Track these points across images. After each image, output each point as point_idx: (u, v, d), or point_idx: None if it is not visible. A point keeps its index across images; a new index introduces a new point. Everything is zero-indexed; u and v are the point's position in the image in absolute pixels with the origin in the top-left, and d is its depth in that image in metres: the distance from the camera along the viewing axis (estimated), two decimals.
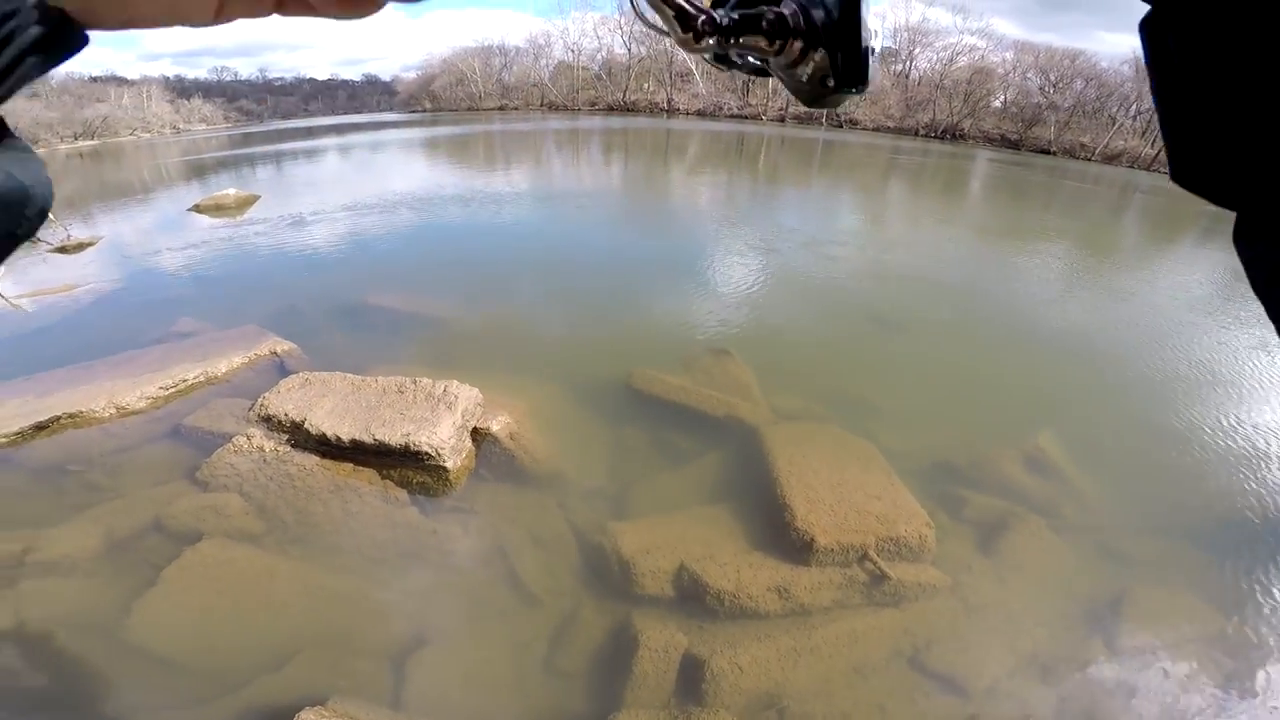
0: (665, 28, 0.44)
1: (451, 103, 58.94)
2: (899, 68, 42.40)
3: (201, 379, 4.49)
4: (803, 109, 41.88)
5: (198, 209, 11.52)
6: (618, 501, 3.57)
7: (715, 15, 0.43)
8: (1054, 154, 33.27)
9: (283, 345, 4.95)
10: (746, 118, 44.42)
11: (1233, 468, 4.49)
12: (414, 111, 60.29)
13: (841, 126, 40.50)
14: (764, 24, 0.45)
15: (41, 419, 3.85)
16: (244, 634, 2.70)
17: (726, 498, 3.52)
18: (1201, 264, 11.36)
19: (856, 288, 7.88)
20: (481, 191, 13.31)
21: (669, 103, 47.99)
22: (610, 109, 50.38)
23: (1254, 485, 4.28)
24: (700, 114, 45.95)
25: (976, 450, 4.25)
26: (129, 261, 8.28)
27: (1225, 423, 5.16)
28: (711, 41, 0.44)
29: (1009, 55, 39.78)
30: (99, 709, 2.46)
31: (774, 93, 44.27)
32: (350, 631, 2.77)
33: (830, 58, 0.45)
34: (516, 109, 54.51)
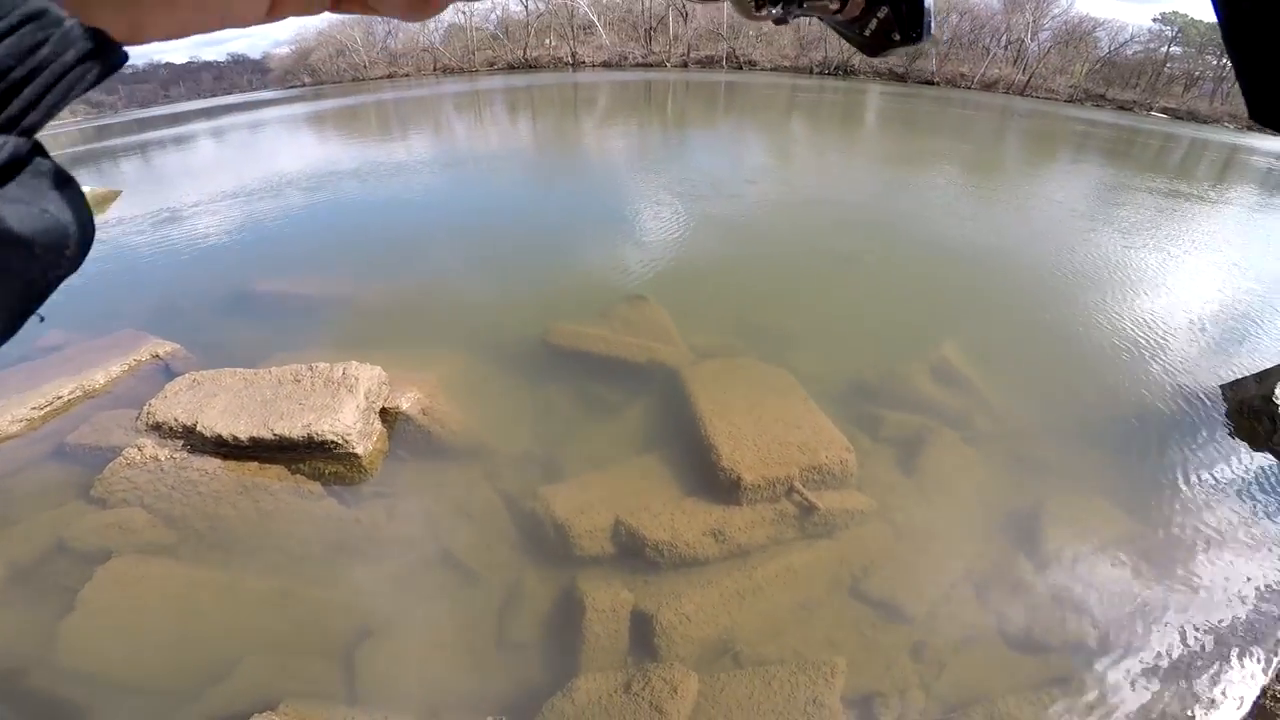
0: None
1: (333, 75, 54.92)
2: None
3: (79, 393, 4.11)
4: (705, 52, 41.69)
5: None
6: (546, 464, 3.49)
7: None
8: (938, 84, 35.07)
9: (165, 347, 4.56)
10: (651, 65, 43.84)
11: (1125, 361, 4.82)
12: (291, 88, 55.96)
13: (741, 68, 40.84)
14: None
15: None
16: (179, 648, 2.57)
17: (655, 445, 3.50)
18: (1078, 178, 12.20)
19: (765, 222, 7.97)
20: (376, 163, 12.54)
21: (573, 56, 46.57)
22: (511, 67, 48.36)
23: (1146, 377, 4.60)
24: (606, 65, 44.94)
25: (887, 367, 4.38)
26: None
27: (1113, 319, 5.55)
28: (777, 10, 0.48)
29: None
30: None
31: (675, 39, 43.77)
32: (290, 632, 2.65)
33: (895, 12, 0.48)
34: (407, 75, 51.46)
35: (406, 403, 3.61)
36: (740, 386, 3.67)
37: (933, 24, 0.49)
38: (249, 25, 0.33)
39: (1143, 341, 5.14)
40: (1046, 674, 2.55)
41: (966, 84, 34.66)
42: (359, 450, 3.31)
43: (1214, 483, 3.58)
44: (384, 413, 3.59)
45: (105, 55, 0.26)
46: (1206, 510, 3.38)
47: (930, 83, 35.24)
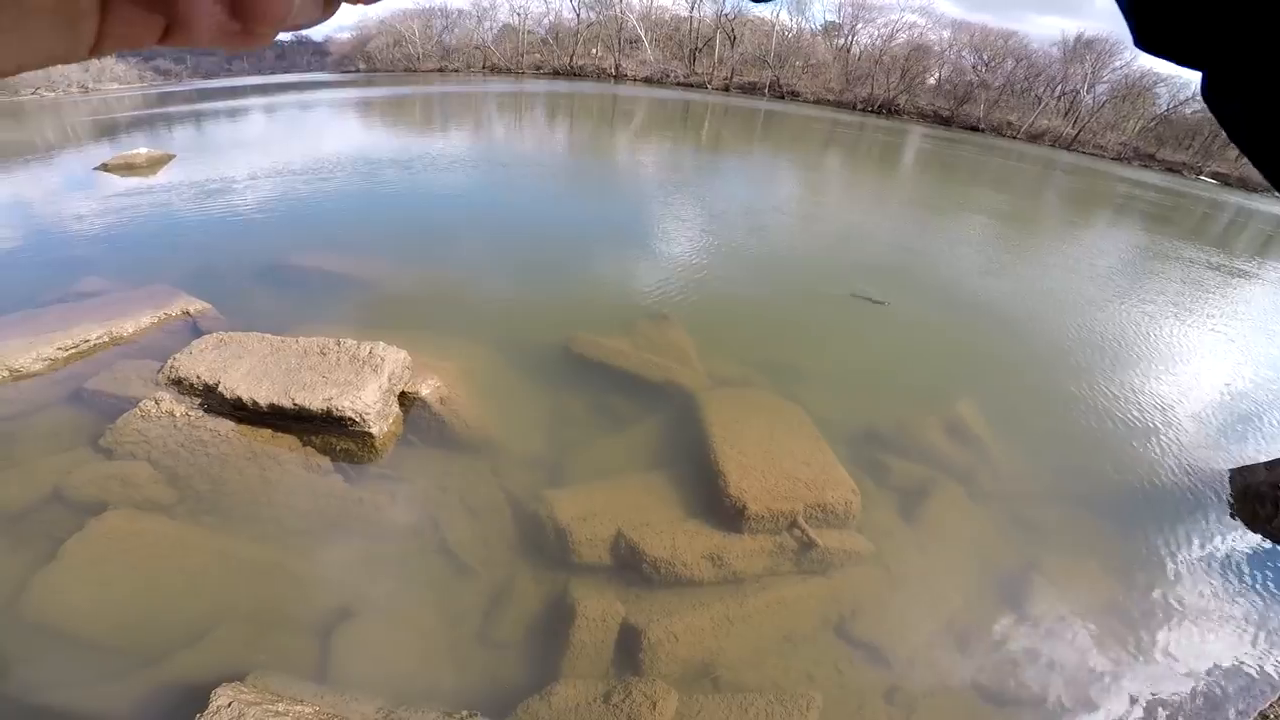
0: None
1: (387, 64, 56.01)
2: (841, 42, 42.92)
3: (105, 340, 4.15)
4: (748, 78, 41.87)
5: (105, 168, 10.60)
6: (554, 468, 3.52)
7: None
8: (982, 131, 34.67)
9: (196, 305, 4.63)
10: (692, 86, 44.16)
11: (1136, 437, 4.80)
12: (347, 72, 57.13)
13: (783, 98, 40.91)
14: None
15: None
16: (156, 608, 2.54)
17: (664, 464, 3.52)
18: (1114, 241, 12.14)
19: (793, 255, 8.03)
20: (418, 153, 12.76)
21: (616, 69, 47.12)
22: (556, 73, 49.02)
23: (1154, 454, 4.59)
24: (648, 81, 45.38)
25: (901, 416, 4.40)
26: (28, 221, 7.53)
27: (1130, 392, 5.53)
28: None
29: (946, 33, 40.84)
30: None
31: (720, 62, 44.08)
32: (271, 604, 2.64)
33: None
34: (457, 71, 52.31)
35: (426, 389, 3.64)
36: (754, 418, 3.71)
37: None
38: (72, 62, 0.31)
39: (1157, 418, 5.13)
40: None
41: (1012, 133, 34.30)
42: (374, 430, 3.34)
43: (1205, 558, 3.62)
44: (403, 396, 3.62)
45: None
46: (1193, 585, 3.43)
47: (975, 128, 34.91)
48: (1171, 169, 28.15)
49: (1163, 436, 4.84)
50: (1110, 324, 7.15)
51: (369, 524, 3.11)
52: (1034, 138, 33.72)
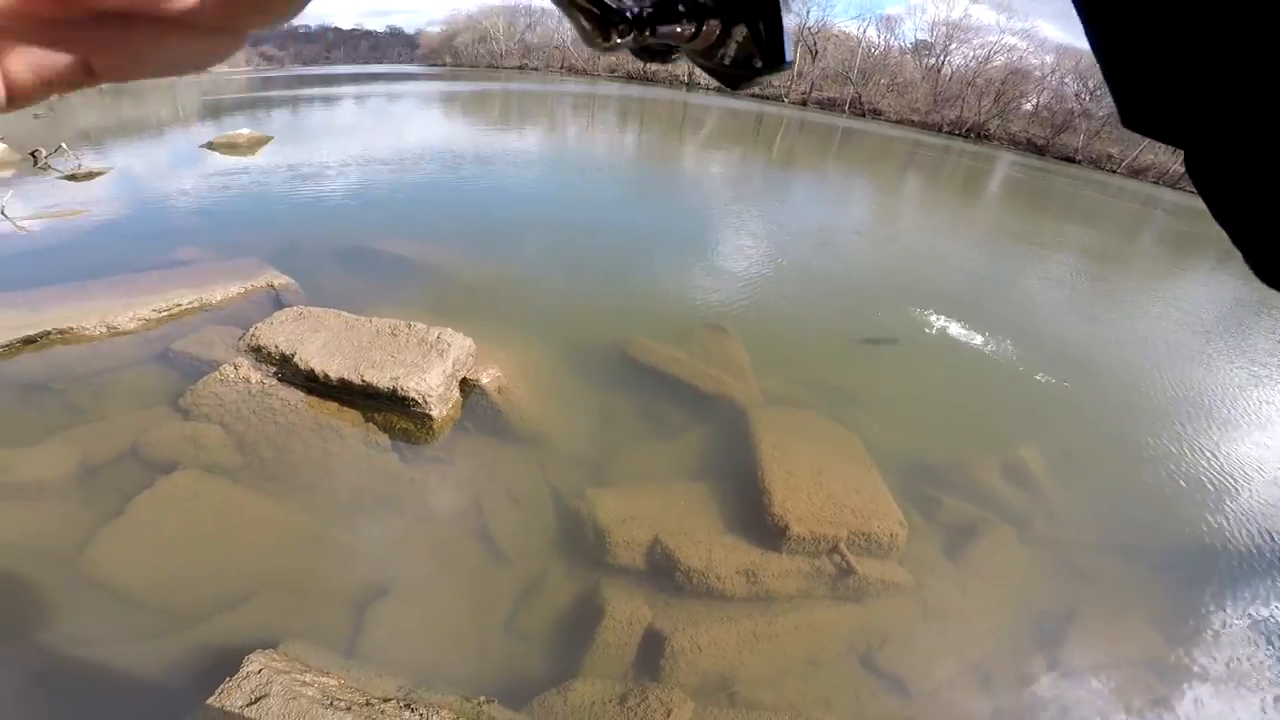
0: (575, 25, 0.39)
1: (472, 59, 57.99)
2: (931, 62, 41.60)
3: (195, 304, 4.45)
4: (828, 94, 41.10)
5: (210, 146, 11.44)
6: (599, 467, 3.57)
7: (629, 8, 0.39)
8: (1079, 163, 32.67)
9: (280, 279, 4.91)
10: (768, 98, 43.63)
11: (1200, 497, 4.52)
12: (434, 65, 59.33)
13: (864, 115, 39.76)
14: (680, 7, 0.41)
15: (31, 333, 3.79)
16: (205, 570, 2.65)
17: (708, 475, 3.52)
18: (1211, 290, 11.30)
19: (859, 279, 7.86)
20: (494, 149, 13.16)
21: (689, 76, 47.17)
22: (630, 77, 49.54)
23: (1217, 518, 4.32)
24: (720, 90, 45.30)
25: (958, 454, 4.26)
26: (137, 192, 8.18)
27: (1202, 453, 5.19)
28: (625, 39, 0.39)
29: (1049, 58, 38.89)
30: (42, 639, 2.41)
31: (799, 75, 43.35)
32: (313, 575, 2.74)
33: (753, 33, 0.42)
34: (536, 70, 53.64)
35: (487, 378, 3.76)
36: (805, 439, 3.67)
37: (791, 48, 0.43)
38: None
39: (1227, 481, 4.80)
40: None
41: (1112, 166, 32.14)
42: (434, 413, 3.47)
43: (1256, 626, 3.41)
44: (463, 383, 3.74)
45: None
46: (1237, 651, 3.23)
47: (1071, 160, 32.90)
48: None
49: (1234, 501, 4.55)
50: (1200, 380, 6.70)
51: (417, 504, 3.22)
52: (1136, 173, 31.59)
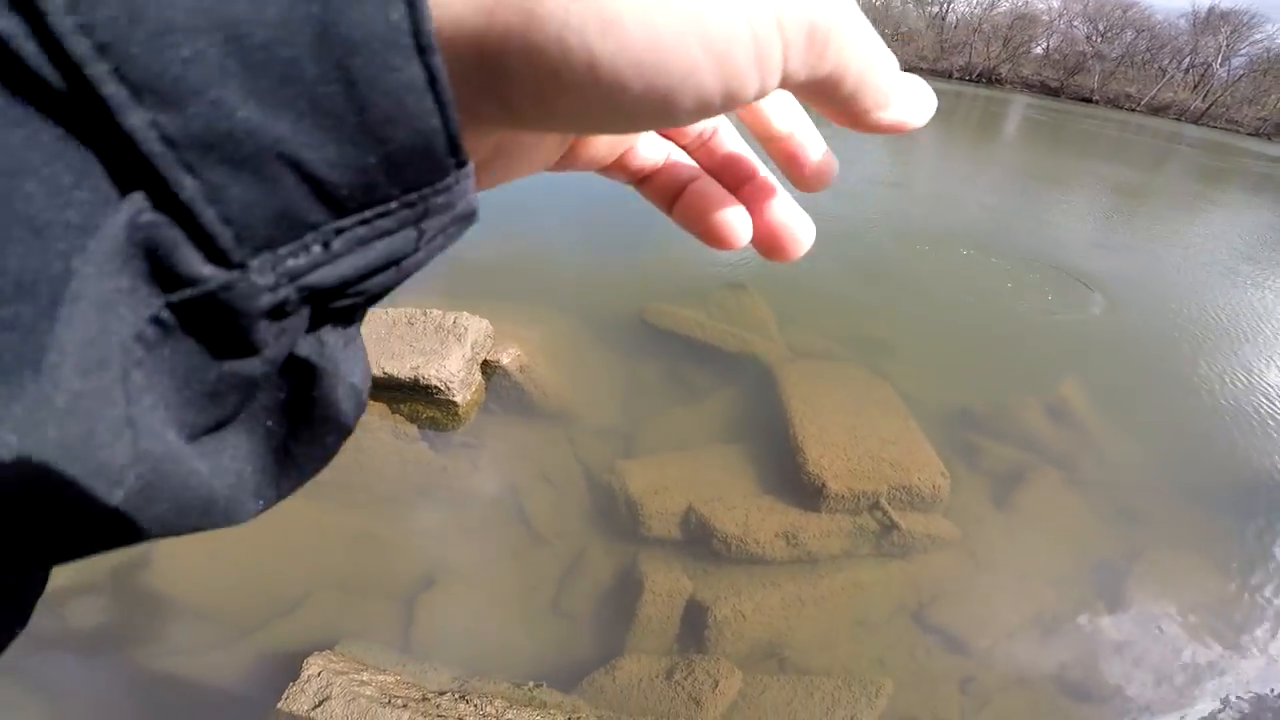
0: None
1: None
2: (935, 9, 40.02)
3: None
4: None
5: None
6: (628, 438, 3.53)
7: None
8: (1096, 103, 31.70)
9: None
10: None
11: (1260, 430, 4.36)
12: None
13: None
14: None
15: None
16: (258, 576, 2.70)
17: (739, 437, 3.46)
18: (1247, 219, 10.82)
19: (881, 226, 7.59)
20: None
21: None
22: None
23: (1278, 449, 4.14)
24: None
25: (997, 397, 4.13)
26: None
27: (1257, 383, 4.97)
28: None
29: (1055, 3, 37.33)
30: (130, 654, 2.49)
31: None
32: (361, 572, 2.78)
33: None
34: None
35: (507, 358, 3.71)
36: (837, 392, 3.57)
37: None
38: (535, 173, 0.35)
39: None
40: None
41: (1131, 105, 31.13)
42: (458, 399, 3.44)
43: None
44: (485, 365, 3.71)
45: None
46: None
47: (1088, 100, 31.91)
48: None
49: None
50: (1245, 307, 6.42)
51: (452, 491, 3.23)
52: (1156, 110, 30.46)
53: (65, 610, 2.60)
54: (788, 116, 0.35)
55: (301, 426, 0.22)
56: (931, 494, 2.99)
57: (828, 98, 0.25)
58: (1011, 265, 6.84)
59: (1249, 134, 26.68)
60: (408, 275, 0.21)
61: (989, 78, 35.52)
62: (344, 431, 0.24)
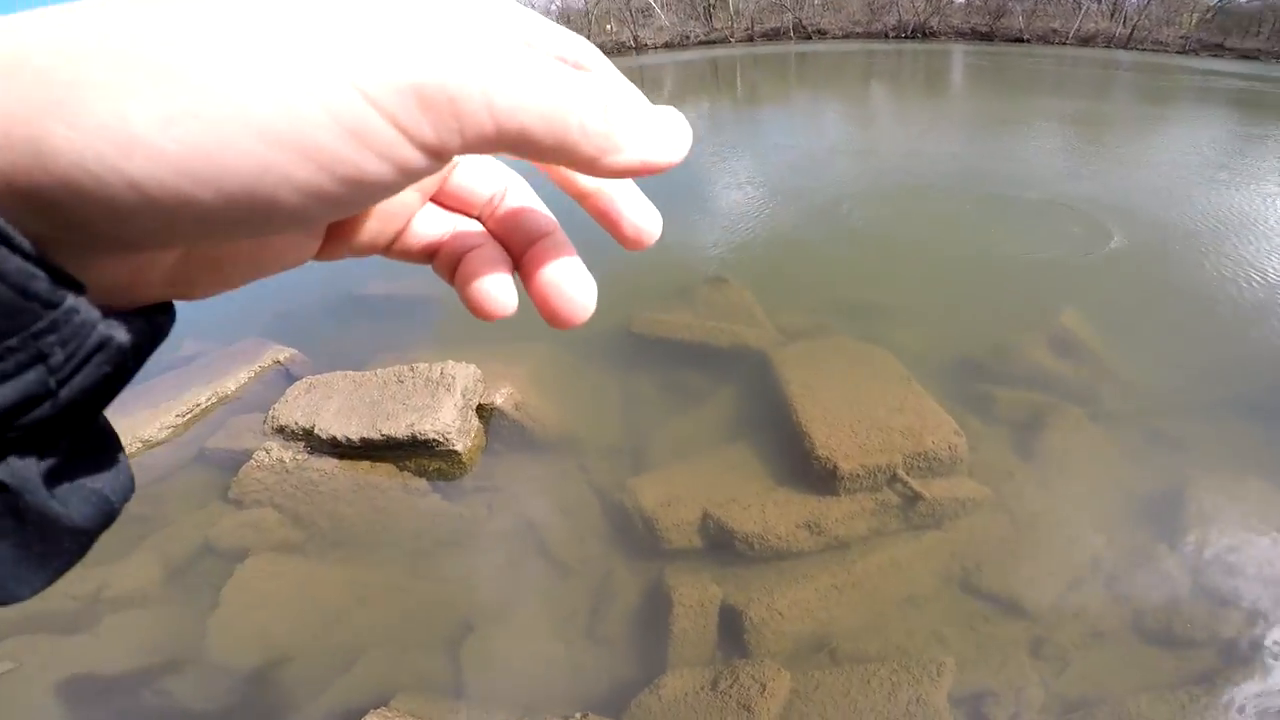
0: None
1: None
2: None
3: (214, 400, 4.50)
4: (770, 25, 40.11)
5: None
6: (635, 454, 3.49)
7: None
8: (1028, 41, 31.94)
9: (285, 353, 4.94)
10: (715, 43, 42.54)
11: (1272, 318, 4.26)
12: None
13: (810, 38, 38.93)
14: None
15: None
16: (309, 641, 2.76)
17: (744, 433, 3.41)
18: (1204, 126, 10.77)
19: (852, 192, 7.53)
20: None
21: (635, 40, 46.23)
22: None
23: None
24: (668, 46, 44.09)
25: (997, 340, 4.05)
26: None
27: (1261, 274, 4.87)
28: None
29: None
30: None
31: (737, 14, 42.38)
32: (403, 625, 2.81)
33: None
34: None
35: (500, 398, 3.70)
36: (834, 368, 3.50)
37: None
38: (294, 266, 0.35)
39: None
40: (1187, 671, 2.29)
41: (1060, 39, 31.27)
42: (459, 447, 3.44)
43: None
44: (480, 409, 3.70)
45: (154, 326, 0.26)
46: None
47: (1020, 40, 32.21)
48: (1246, 56, 24.57)
49: None
50: (1224, 208, 6.32)
51: (473, 537, 3.23)
52: (1085, 41, 30.62)
53: (132, 691, 2.68)
54: None
55: (30, 529, 0.24)
56: (950, 455, 2.90)
57: (535, 154, 0.25)
58: (990, 207, 6.79)
59: (1177, 52, 26.82)
60: (81, 403, 0.22)
61: (922, 32, 35.74)
62: (78, 531, 0.26)
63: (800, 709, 2.21)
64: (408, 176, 0.23)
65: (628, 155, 0.27)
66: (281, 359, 4.89)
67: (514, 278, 0.36)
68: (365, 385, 3.86)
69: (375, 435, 3.48)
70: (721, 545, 2.81)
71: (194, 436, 4.20)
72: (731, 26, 43.28)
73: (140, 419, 4.26)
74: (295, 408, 3.87)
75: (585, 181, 0.35)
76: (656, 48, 45.48)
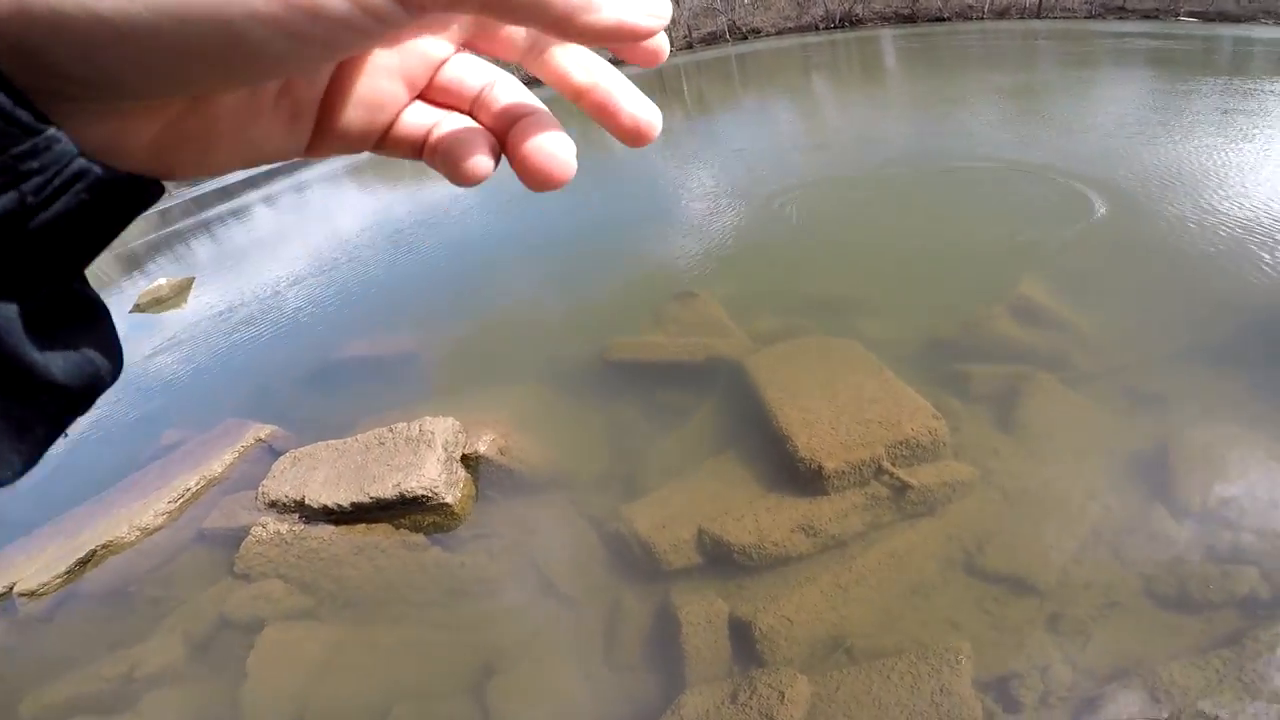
0: None
1: None
2: None
3: (202, 484, 4.53)
4: (706, 29, 40.82)
5: (138, 309, 11.12)
6: (626, 481, 3.51)
7: None
8: (949, 19, 33.08)
9: (265, 430, 4.93)
10: None
11: (1233, 266, 4.28)
12: None
13: (746, 38, 39.86)
14: None
15: (81, 555, 4.03)
16: (340, 703, 2.80)
17: (729, 444, 3.43)
18: (1131, 88, 11.10)
19: (806, 189, 7.64)
20: (418, 207, 12.96)
21: None
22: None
23: (1261, 277, 4.05)
24: (611, 61, 44.81)
25: (962, 316, 4.09)
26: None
27: (1209, 222, 4.93)
28: None
29: None
30: None
31: (674, 22, 43.09)
32: (426, 678, 2.84)
33: None
34: None
35: (484, 446, 3.73)
36: (808, 367, 3.53)
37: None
38: (284, 161, 0.35)
39: (1242, 243, 4.51)
40: (1212, 635, 2.26)
41: (978, 14, 32.50)
42: (449, 499, 3.47)
43: None
44: (465, 459, 3.73)
45: (138, 190, 0.27)
46: None
47: (940, 19, 33.36)
48: (1148, 15, 25.90)
49: (1262, 258, 4.26)
50: (1162, 161, 6.47)
51: (479, 583, 3.25)
52: (1001, 14, 31.81)
53: None
54: (586, 69, 0.35)
55: (7, 381, 0.24)
56: (931, 440, 2.92)
57: (508, 11, 0.25)
58: (941, 186, 6.91)
59: (1085, 17, 28.01)
60: (61, 237, 0.24)
61: (849, 20, 36.75)
62: (57, 387, 0.26)
63: (825, 711, 2.21)
64: (374, 19, 0.24)
65: (603, 14, 0.26)
66: (263, 435, 4.90)
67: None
68: (348, 452, 3.89)
69: (365, 499, 3.50)
70: (721, 559, 2.82)
71: (189, 519, 4.26)
72: (670, 35, 43.92)
73: (134, 509, 4.36)
74: (284, 482, 3.91)
75: (579, 76, 0.35)
76: None
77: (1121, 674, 2.18)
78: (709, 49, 39.17)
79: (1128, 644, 2.29)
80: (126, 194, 0.26)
